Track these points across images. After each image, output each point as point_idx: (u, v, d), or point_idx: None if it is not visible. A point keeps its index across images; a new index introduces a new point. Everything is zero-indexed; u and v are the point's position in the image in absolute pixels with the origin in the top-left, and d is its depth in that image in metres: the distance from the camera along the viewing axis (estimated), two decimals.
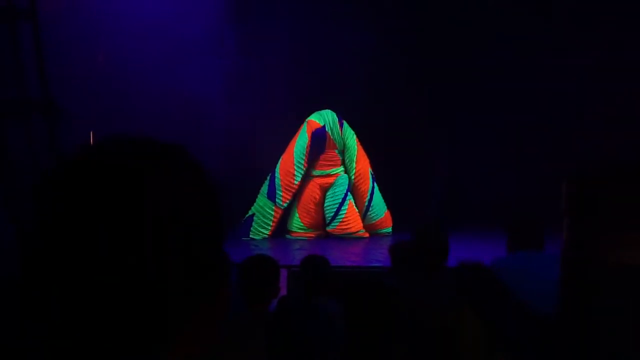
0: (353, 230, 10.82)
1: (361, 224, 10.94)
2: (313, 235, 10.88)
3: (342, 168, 11.01)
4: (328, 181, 10.90)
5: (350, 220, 10.81)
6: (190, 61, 11.17)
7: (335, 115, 10.90)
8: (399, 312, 3.49)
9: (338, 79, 11.59)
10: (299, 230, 10.92)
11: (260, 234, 10.81)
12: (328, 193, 10.86)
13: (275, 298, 3.97)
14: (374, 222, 11.07)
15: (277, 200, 10.80)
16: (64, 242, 0.75)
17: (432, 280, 4.15)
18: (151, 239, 0.75)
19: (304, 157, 10.76)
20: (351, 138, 10.99)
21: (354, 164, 11.03)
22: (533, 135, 11.86)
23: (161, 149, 0.82)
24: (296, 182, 10.81)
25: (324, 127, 10.76)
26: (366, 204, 11.02)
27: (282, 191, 10.79)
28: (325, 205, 10.85)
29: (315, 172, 10.92)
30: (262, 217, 10.87)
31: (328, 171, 10.92)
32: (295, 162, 10.80)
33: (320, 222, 10.95)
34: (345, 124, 10.97)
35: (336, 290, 4.45)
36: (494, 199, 11.18)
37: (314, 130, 10.78)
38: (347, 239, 10.75)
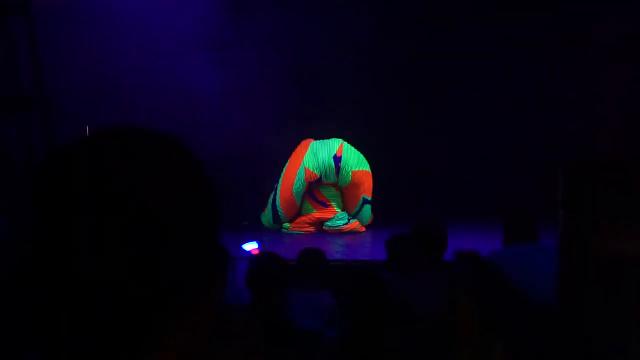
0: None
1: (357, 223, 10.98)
2: (312, 230, 10.90)
3: (338, 197, 11.06)
4: (326, 215, 10.91)
5: (349, 226, 10.90)
6: (187, 56, 11.18)
7: (332, 159, 10.79)
8: (395, 304, 3.50)
9: (335, 73, 11.60)
10: (294, 225, 10.98)
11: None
12: (327, 223, 10.91)
13: (282, 295, 3.96)
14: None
15: (283, 223, 10.99)
16: (54, 235, 0.73)
17: (429, 273, 4.16)
18: (143, 231, 0.74)
19: (302, 197, 10.85)
20: (347, 176, 10.91)
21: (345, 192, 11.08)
22: (528, 129, 11.89)
23: (155, 139, 0.81)
24: (298, 208, 10.99)
25: (320, 178, 10.76)
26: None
27: (286, 218, 10.92)
28: (328, 225, 10.91)
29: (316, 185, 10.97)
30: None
31: (326, 187, 10.92)
32: (296, 201, 10.85)
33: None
34: (344, 161, 10.85)
35: (332, 283, 4.47)
36: (489, 193, 11.21)
37: (311, 180, 10.77)
38: (342, 232, 10.76)
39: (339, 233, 10.74)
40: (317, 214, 10.89)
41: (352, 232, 10.82)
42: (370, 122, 11.37)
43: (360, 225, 10.99)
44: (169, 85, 10.91)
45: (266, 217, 11.09)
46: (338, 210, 10.91)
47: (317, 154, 10.76)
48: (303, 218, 10.97)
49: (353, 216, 11.01)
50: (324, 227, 10.90)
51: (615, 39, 11.25)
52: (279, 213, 10.90)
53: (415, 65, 11.90)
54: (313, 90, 11.38)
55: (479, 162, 11.81)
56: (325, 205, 10.88)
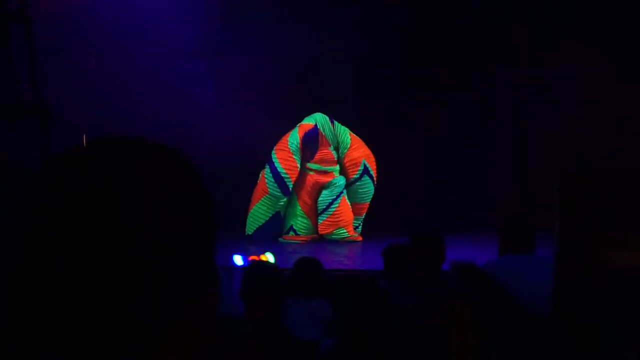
0: (343, 224, 10.84)
1: (352, 225, 10.96)
2: (307, 239, 10.87)
3: (337, 167, 11.01)
4: (324, 179, 10.90)
5: (342, 213, 10.84)
6: (182, 64, 11.19)
7: (326, 116, 10.90)
8: (392, 314, 3.50)
9: (330, 80, 11.62)
10: (298, 232, 10.94)
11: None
12: (324, 191, 10.88)
13: (274, 307, 3.94)
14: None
15: (290, 189, 10.97)
16: (49, 245, 0.74)
17: (427, 283, 4.16)
18: (138, 240, 0.74)
19: (299, 153, 10.78)
20: (344, 134, 10.98)
21: (345, 157, 11.07)
22: (524, 138, 11.91)
23: (152, 150, 0.81)
24: (299, 171, 10.94)
25: (315, 126, 10.77)
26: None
27: (290, 181, 10.88)
28: (319, 199, 10.89)
29: (312, 165, 10.91)
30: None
31: (325, 167, 10.91)
32: (295, 158, 10.79)
33: (314, 223, 10.98)
34: (337, 123, 10.95)
35: (329, 292, 4.46)
36: (486, 203, 11.21)
37: (306, 131, 10.76)
38: (339, 242, 10.75)
39: (336, 242, 10.74)
40: (315, 176, 10.89)
41: (350, 242, 10.82)
42: (368, 132, 11.36)
43: (357, 235, 10.98)
44: (167, 93, 10.93)
45: (261, 206, 11.01)
46: (336, 174, 10.94)
47: (312, 115, 10.92)
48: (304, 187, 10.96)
49: (352, 183, 11.05)
50: (318, 222, 10.91)
51: (610, 47, 11.28)
52: (283, 175, 10.80)
53: (412, 75, 11.92)
54: (311, 99, 11.36)
55: (476, 173, 11.81)
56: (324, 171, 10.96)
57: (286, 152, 10.81)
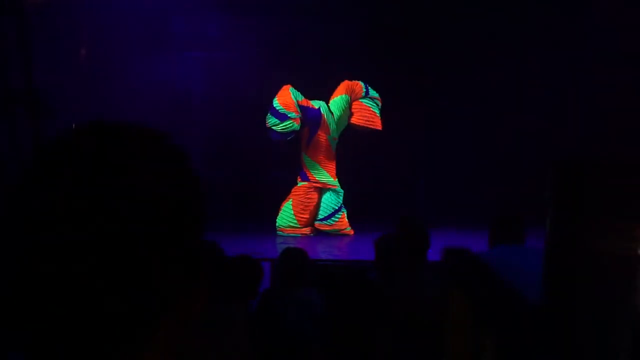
0: (337, 227, 10.91)
1: (347, 225, 11.01)
2: (307, 232, 10.90)
3: (337, 182, 11.04)
4: (327, 186, 10.93)
5: (341, 224, 10.91)
6: (174, 54, 11.18)
7: (326, 105, 10.92)
8: (382, 303, 3.52)
9: (321, 72, 11.62)
10: (290, 228, 10.93)
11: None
12: (326, 196, 10.90)
13: (252, 299, 4.00)
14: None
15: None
16: (39, 233, 0.73)
17: (417, 271, 4.19)
18: (126, 226, 0.73)
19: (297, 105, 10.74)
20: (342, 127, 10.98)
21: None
22: (513, 131, 11.96)
23: (142, 134, 0.80)
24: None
25: (319, 109, 10.78)
26: None
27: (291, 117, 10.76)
28: (322, 205, 10.90)
29: (307, 159, 10.89)
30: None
31: (322, 174, 10.88)
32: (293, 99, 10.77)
33: (312, 219, 10.99)
34: (338, 115, 10.91)
35: (319, 283, 4.48)
36: (475, 195, 11.26)
37: (311, 108, 10.78)
38: (332, 235, 10.80)
39: (329, 235, 10.79)
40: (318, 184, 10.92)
41: (342, 235, 10.87)
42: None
43: (349, 229, 11.02)
44: (159, 83, 10.91)
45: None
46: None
47: (316, 101, 10.92)
48: (303, 198, 10.93)
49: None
50: (315, 222, 10.94)
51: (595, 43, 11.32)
52: (279, 109, 10.70)
53: (403, 67, 11.95)
54: (305, 91, 11.37)
55: (467, 166, 11.85)
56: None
57: (286, 93, 10.74)
